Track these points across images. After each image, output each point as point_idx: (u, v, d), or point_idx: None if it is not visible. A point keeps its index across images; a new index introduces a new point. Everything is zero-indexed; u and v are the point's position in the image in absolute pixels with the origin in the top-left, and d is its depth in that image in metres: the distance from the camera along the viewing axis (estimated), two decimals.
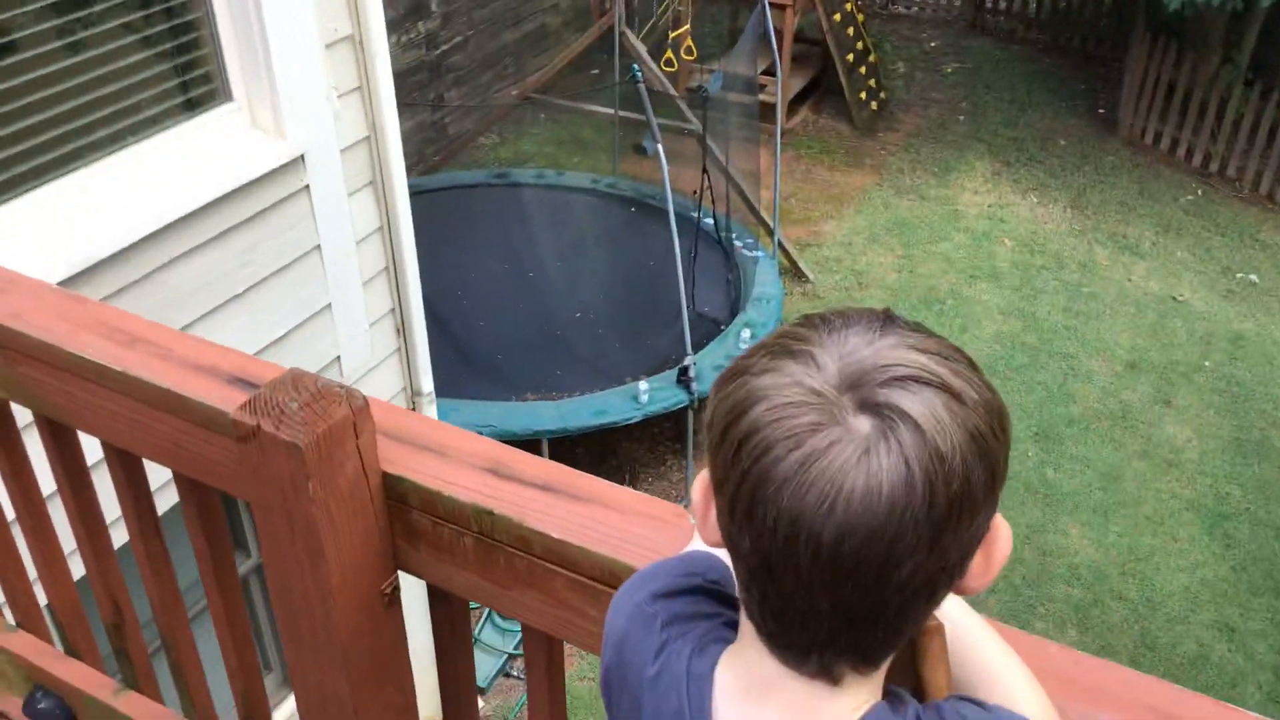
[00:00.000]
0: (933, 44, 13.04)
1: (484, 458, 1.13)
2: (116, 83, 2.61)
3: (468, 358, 6.80)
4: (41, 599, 1.85)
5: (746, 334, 6.90)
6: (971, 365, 0.72)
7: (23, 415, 1.51)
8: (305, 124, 2.94)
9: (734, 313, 7.26)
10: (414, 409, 4.45)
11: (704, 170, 7.54)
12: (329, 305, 3.36)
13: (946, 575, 0.71)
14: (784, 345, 0.72)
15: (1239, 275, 9.39)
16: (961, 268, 9.23)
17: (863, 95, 11.15)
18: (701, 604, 0.84)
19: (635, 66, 6.91)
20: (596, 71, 11.28)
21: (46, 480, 1.59)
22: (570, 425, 6.24)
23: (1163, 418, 7.75)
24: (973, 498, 0.69)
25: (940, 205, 10.09)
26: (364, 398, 1.08)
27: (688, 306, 6.65)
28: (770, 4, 8.06)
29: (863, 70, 11.18)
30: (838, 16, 10.94)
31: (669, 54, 9.49)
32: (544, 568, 1.06)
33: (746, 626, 0.77)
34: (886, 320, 0.73)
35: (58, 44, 2.51)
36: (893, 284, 8.99)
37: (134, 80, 2.66)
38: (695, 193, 7.60)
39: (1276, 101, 10.32)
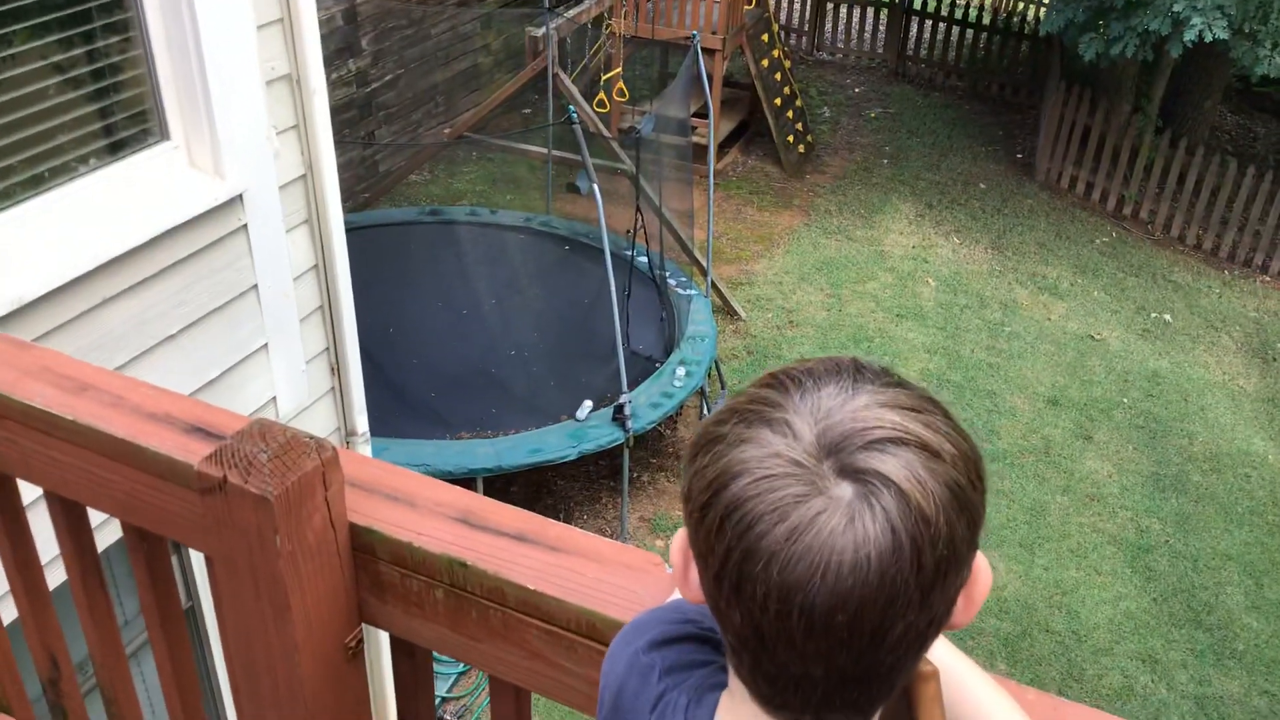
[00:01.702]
0: (857, 90, 13.34)
1: (455, 508, 1.12)
2: (50, 120, 2.55)
3: (401, 396, 6.72)
4: None
5: (681, 371, 6.93)
6: (946, 415, 0.73)
7: None
8: (244, 163, 2.90)
9: (668, 350, 7.29)
10: (348, 449, 4.37)
11: (637, 209, 7.60)
12: (265, 345, 3.30)
13: (935, 626, 0.72)
14: (757, 412, 0.71)
15: (1153, 315, 9.71)
16: (888, 306, 9.41)
17: (790, 139, 11.35)
18: (695, 652, 0.84)
19: (571, 108, 6.95)
20: (529, 111, 11.32)
21: None
22: (505, 463, 6.19)
23: (1084, 453, 7.95)
24: (957, 553, 0.70)
25: (867, 246, 10.29)
26: (333, 448, 1.06)
27: (622, 344, 6.66)
28: (700, 48, 8.17)
29: (790, 114, 11.39)
30: (765, 62, 11.15)
31: (601, 95, 9.57)
32: (517, 619, 1.05)
33: (737, 683, 0.77)
34: (856, 374, 0.73)
35: None
36: (822, 322, 9.12)
37: (69, 118, 2.61)
38: (629, 231, 7.65)
39: (1185, 148, 10.75)
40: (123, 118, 2.71)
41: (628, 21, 10.51)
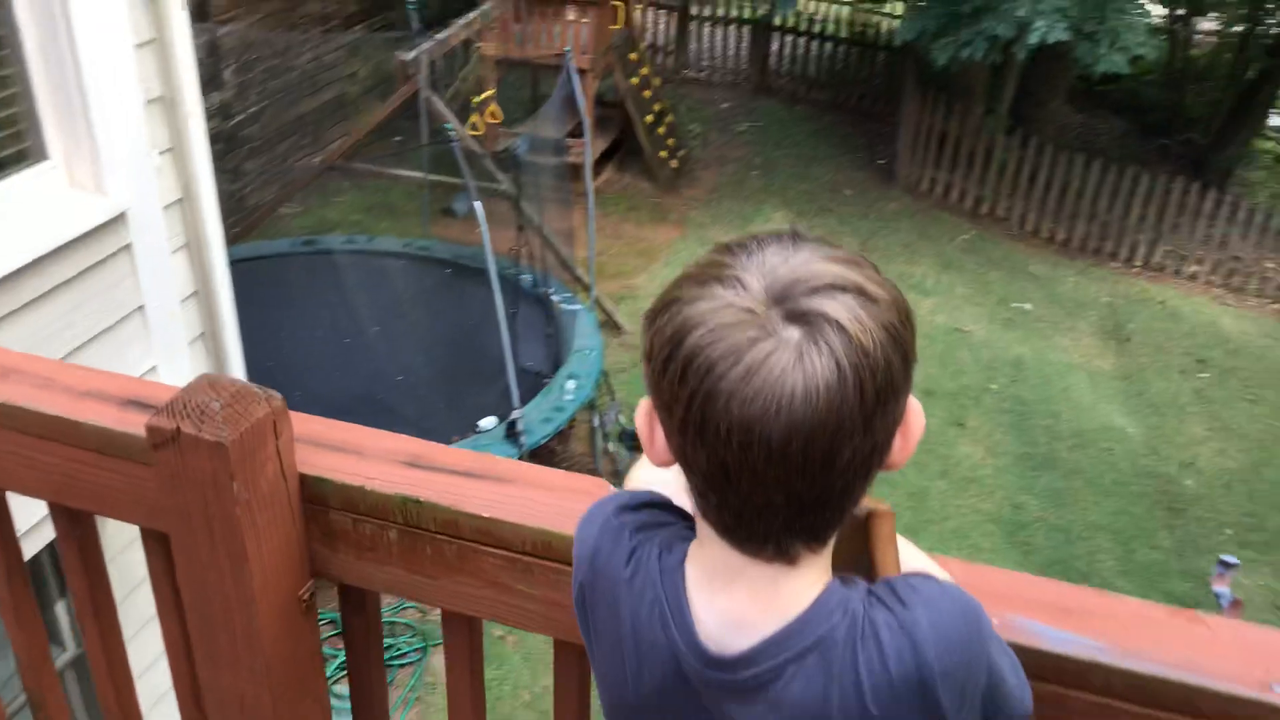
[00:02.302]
0: (724, 105, 13.67)
1: (403, 453, 1.16)
2: None
3: None
4: None
5: (570, 385, 6.98)
6: (875, 269, 0.82)
7: None
8: (126, 181, 2.85)
9: (556, 365, 7.34)
10: None
11: (520, 228, 7.64)
12: (154, 368, 3.24)
13: (878, 454, 0.80)
14: (709, 273, 0.79)
15: (1014, 305, 10.19)
16: None
17: (663, 154, 11.55)
18: (660, 515, 0.92)
19: (448, 125, 6.96)
20: (400, 139, 11.24)
21: None
22: None
23: (958, 439, 8.29)
24: (894, 383, 0.78)
25: None
26: (282, 398, 1.10)
27: (511, 362, 6.69)
28: (573, 67, 8.28)
29: (661, 131, 11.60)
30: (635, 80, 11.34)
31: (475, 118, 9.59)
32: (473, 549, 1.09)
33: (704, 527, 0.84)
34: (796, 237, 0.81)
35: None
36: None
37: None
38: (512, 250, 7.68)
39: (1035, 147, 11.33)
40: None
41: (497, 44, 10.57)
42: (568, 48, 8.48)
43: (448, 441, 6.61)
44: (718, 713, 0.86)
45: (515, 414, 6.50)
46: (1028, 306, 10.19)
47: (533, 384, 7.11)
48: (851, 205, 11.65)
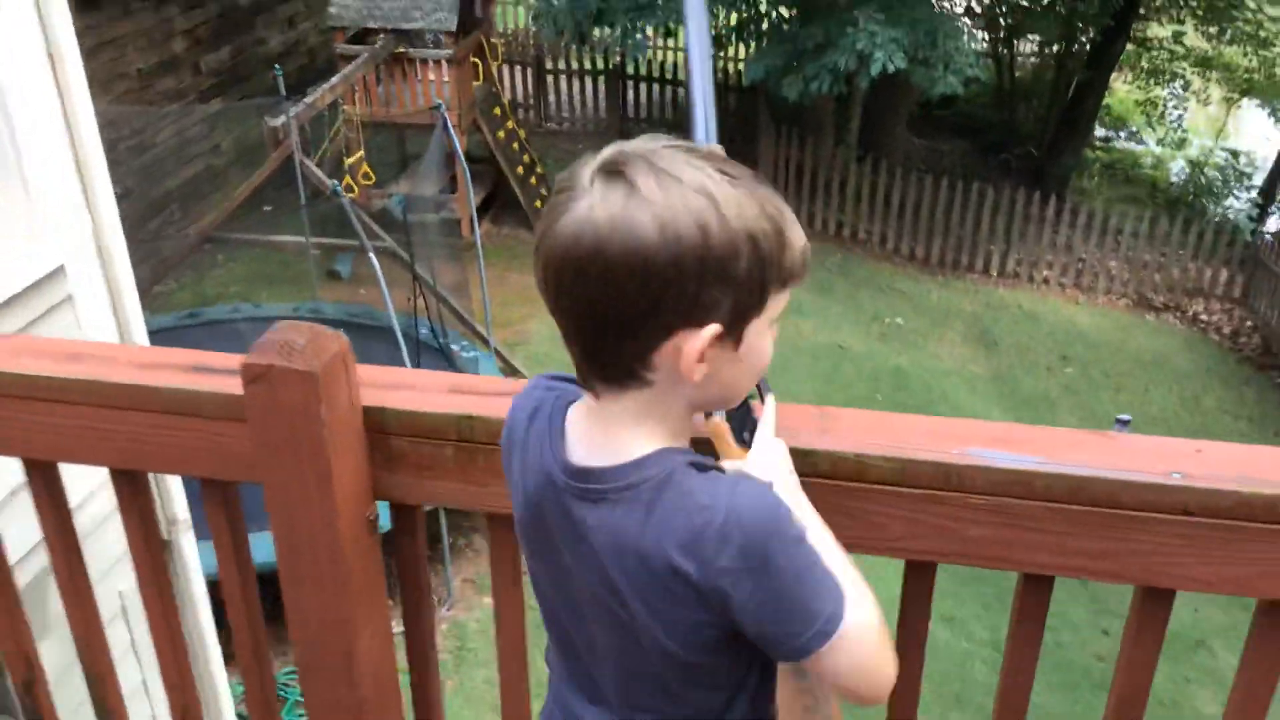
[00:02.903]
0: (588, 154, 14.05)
1: (446, 383, 1.36)
2: None
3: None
4: None
5: None
6: (750, 186, 0.91)
7: None
8: (61, 235, 2.95)
9: None
10: (169, 540, 4.32)
11: (415, 279, 7.78)
12: None
13: (633, 324, 0.91)
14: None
15: (887, 320, 10.75)
16: None
17: (538, 204, 11.82)
18: (566, 381, 1.11)
19: (336, 183, 7.08)
20: (269, 208, 11.22)
21: None
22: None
23: None
24: (645, 267, 0.87)
25: None
26: (346, 339, 1.29)
27: None
28: (447, 118, 8.49)
29: (534, 181, 11.88)
30: (501, 134, 11.62)
31: (348, 179, 9.69)
32: None
33: None
34: (693, 146, 0.94)
35: None
36: None
37: None
38: (409, 300, 7.81)
39: (886, 171, 12.02)
40: None
41: (361, 106, 10.71)
42: (440, 101, 8.68)
43: None
44: (575, 513, 1.01)
45: None
46: (900, 320, 10.76)
47: None
48: None
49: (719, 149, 0.99)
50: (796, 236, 0.96)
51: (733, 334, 0.95)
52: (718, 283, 0.90)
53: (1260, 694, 1.26)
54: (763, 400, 1.15)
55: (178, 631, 1.58)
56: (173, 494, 4.21)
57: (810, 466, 1.21)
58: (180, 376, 1.37)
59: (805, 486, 1.17)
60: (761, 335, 0.97)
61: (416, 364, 7.40)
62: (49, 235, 2.91)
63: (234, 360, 1.36)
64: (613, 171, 0.88)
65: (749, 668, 1.07)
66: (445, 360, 8.04)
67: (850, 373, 9.74)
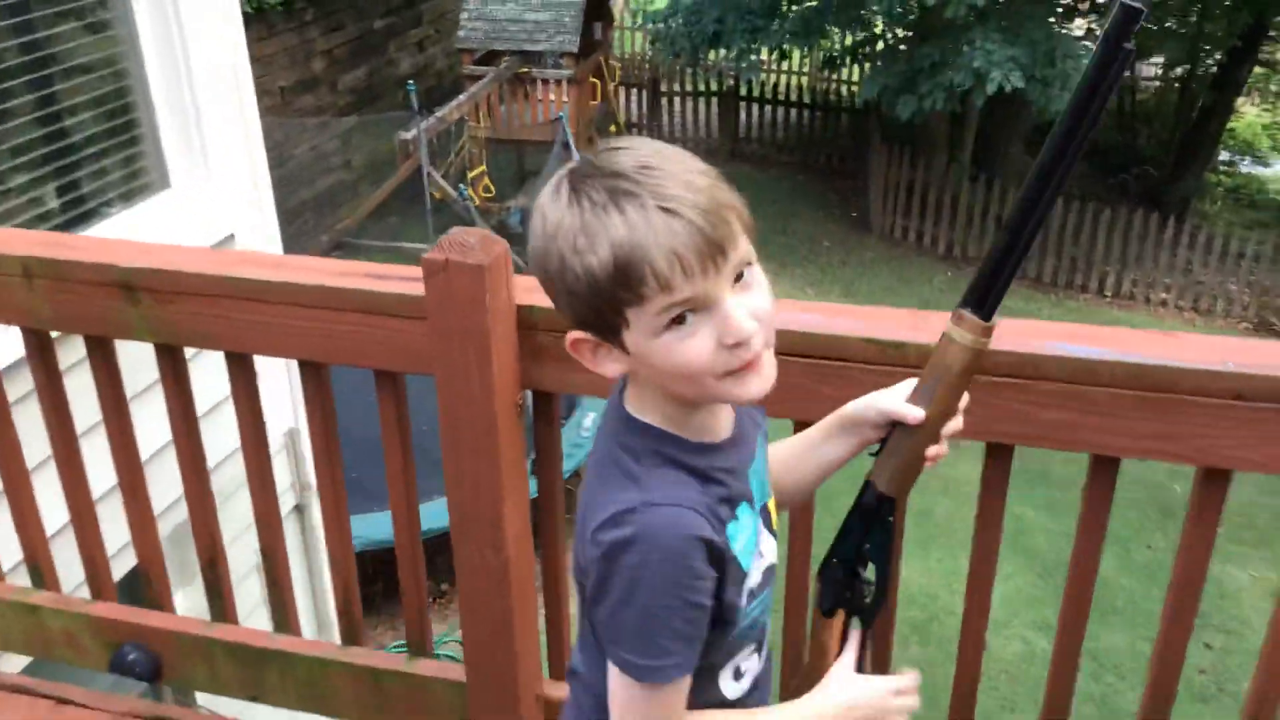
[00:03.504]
0: None
1: None
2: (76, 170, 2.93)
3: None
4: (119, 570, 2.10)
5: (588, 421, 7.39)
6: (595, 214, 0.93)
7: None
8: (233, 207, 3.31)
9: (572, 405, 7.76)
10: (300, 505, 4.66)
11: None
12: None
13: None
14: None
15: None
16: None
17: None
18: None
19: (463, 188, 7.46)
20: (395, 218, 11.79)
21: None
22: (434, 525, 6.47)
23: (958, 460, 8.44)
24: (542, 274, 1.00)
25: None
26: (507, 243, 1.52)
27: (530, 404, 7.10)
28: (567, 127, 8.83)
29: None
30: None
31: (470, 191, 10.14)
32: None
33: None
34: (666, 147, 1.00)
35: None
36: None
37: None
38: None
39: (999, 190, 11.99)
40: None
41: (485, 123, 11.18)
42: (561, 113, 9.04)
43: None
44: None
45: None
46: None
47: None
48: (830, 255, 12.23)
49: (646, 155, 0.97)
50: (630, 270, 0.93)
51: (609, 341, 1.00)
52: (555, 297, 1.02)
53: None
54: (863, 626, 1.17)
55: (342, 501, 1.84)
56: (307, 460, 4.56)
57: (901, 356, 1.40)
58: (365, 281, 1.62)
59: (896, 375, 1.36)
60: (648, 345, 0.97)
61: None
62: (225, 208, 3.26)
63: (409, 270, 1.61)
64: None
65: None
66: None
67: None
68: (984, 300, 1.04)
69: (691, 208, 0.93)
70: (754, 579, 1.08)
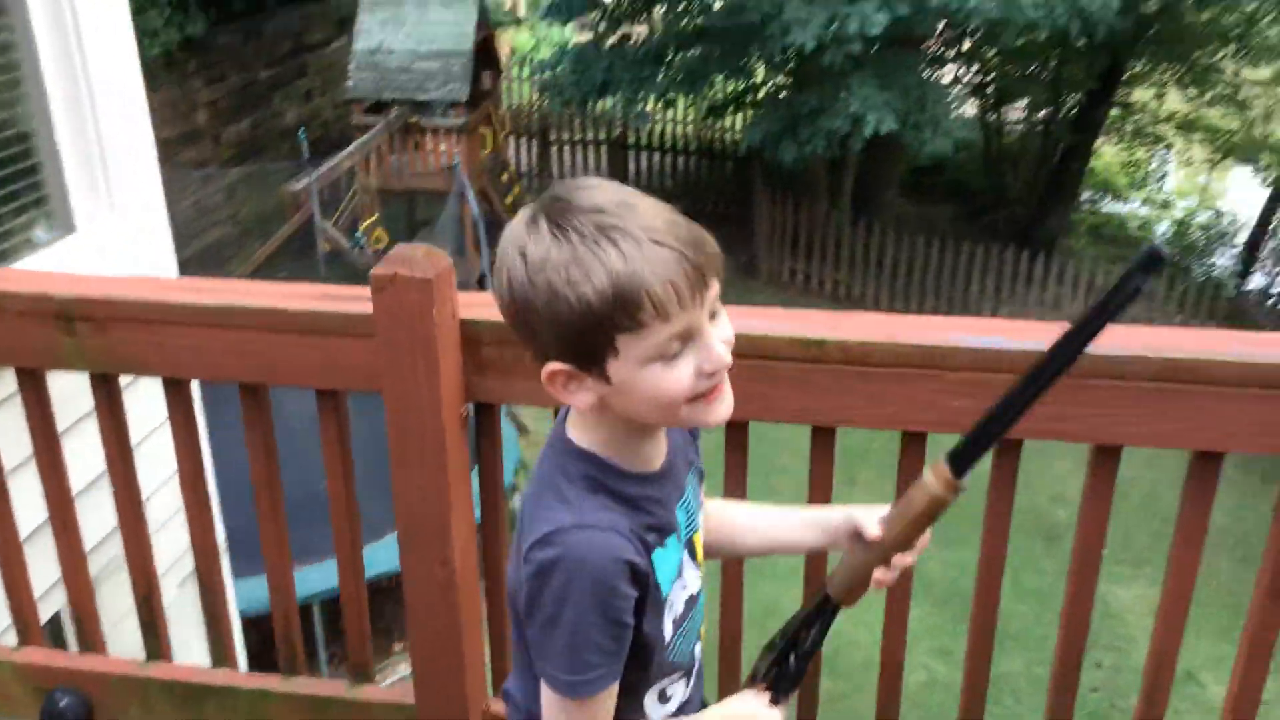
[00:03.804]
0: None
1: None
2: None
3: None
4: (47, 611, 2.07)
5: None
6: (580, 247, 0.98)
7: None
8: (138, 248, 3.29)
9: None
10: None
11: None
12: None
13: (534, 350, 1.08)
14: None
15: None
16: None
17: None
18: None
19: (358, 236, 7.43)
20: (285, 273, 11.62)
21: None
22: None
23: (851, 495, 8.74)
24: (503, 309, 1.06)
25: None
26: (449, 260, 1.59)
27: None
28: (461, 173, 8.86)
29: None
30: (509, 200, 12.08)
31: (367, 240, 10.09)
32: None
33: None
34: (626, 187, 1.05)
35: None
36: None
37: None
38: None
39: (878, 232, 12.45)
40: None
41: (376, 174, 11.16)
42: (455, 161, 9.10)
43: (384, 536, 6.89)
44: None
45: None
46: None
47: None
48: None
49: (612, 201, 1.03)
50: (621, 282, 0.98)
51: (592, 372, 1.04)
52: (537, 329, 1.03)
53: (1195, 536, 1.54)
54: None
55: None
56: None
57: (824, 353, 1.51)
58: (309, 301, 1.67)
59: (819, 372, 1.48)
60: (635, 374, 1.02)
61: None
62: (131, 251, 3.24)
63: (352, 290, 1.67)
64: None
65: None
66: None
67: (786, 489, 10.01)
68: (962, 462, 1.14)
69: (678, 240, 1.00)
70: (677, 607, 1.17)
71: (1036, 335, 1.51)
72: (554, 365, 1.05)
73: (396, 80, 11.42)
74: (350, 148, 10.38)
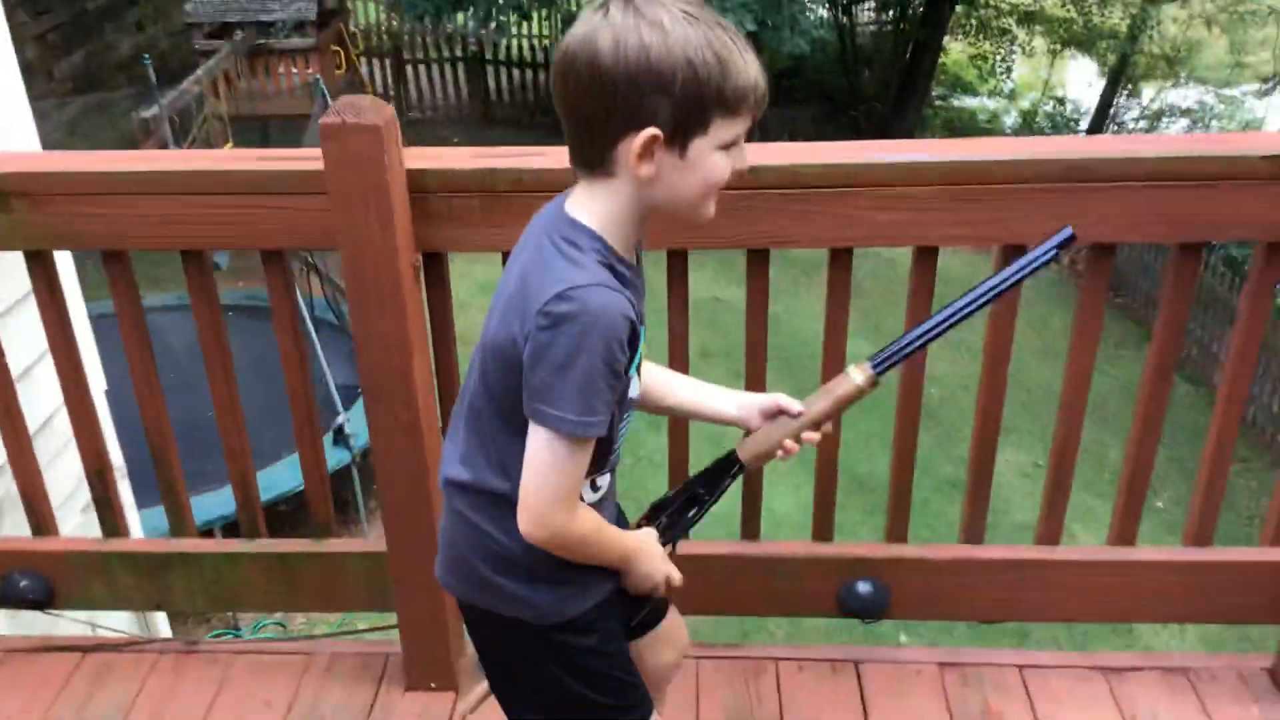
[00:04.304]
0: (456, 140, 14.26)
1: (469, 152, 1.72)
2: None
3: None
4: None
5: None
6: (707, 26, 1.11)
7: None
8: None
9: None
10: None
11: (309, 265, 7.95)
12: None
13: (595, 122, 1.14)
14: None
15: None
16: None
17: None
18: None
19: None
20: None
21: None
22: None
23: (738, 386, 9.24)
24: (599, 76, 1.09)
25: None
26: (393, 109, 1.63)
27: (330, 378, 7.00)
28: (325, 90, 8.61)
29: None
30: None
31: None
32: (534, 201, 1.65)
33: None
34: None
35: None
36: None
37: None
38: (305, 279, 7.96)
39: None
40: None
41: (226, 100, 10.73)
42: (318, 76, 8.84)
43: (280, 459, 6.84)
44: None
45: (340, 419, 6.83)
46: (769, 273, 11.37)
47: (350, 394, 7.42)
48: None
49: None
50: (740, 71, 1.14)
51: (676, 142, 1.15)
52: (656, 94, 1.11)
53: (1091, 336, 1.73)
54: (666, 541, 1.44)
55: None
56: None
57: (757, 179, 1.62)
58: (252, 163, 1.70)
59: (752, 196, 1.59)
60: (707, 154, 1.17)
61: (319, 341, 7.60)
62: None
63: (293, 151, 1.70)
64: (602, 4, 1.13)
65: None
66: (345, 333, 8.23)
67: (729, 321, 10.26)
68: (882, 364, 1.40)
69: (757, 62, 1.18)
70: (634, 389, 1.30)
71: (951, 150, 1.66)
72: (652, 130, 1.13)
73: (238, 2, 10.95)
74: (198, 71, 9.95)
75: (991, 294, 1.36)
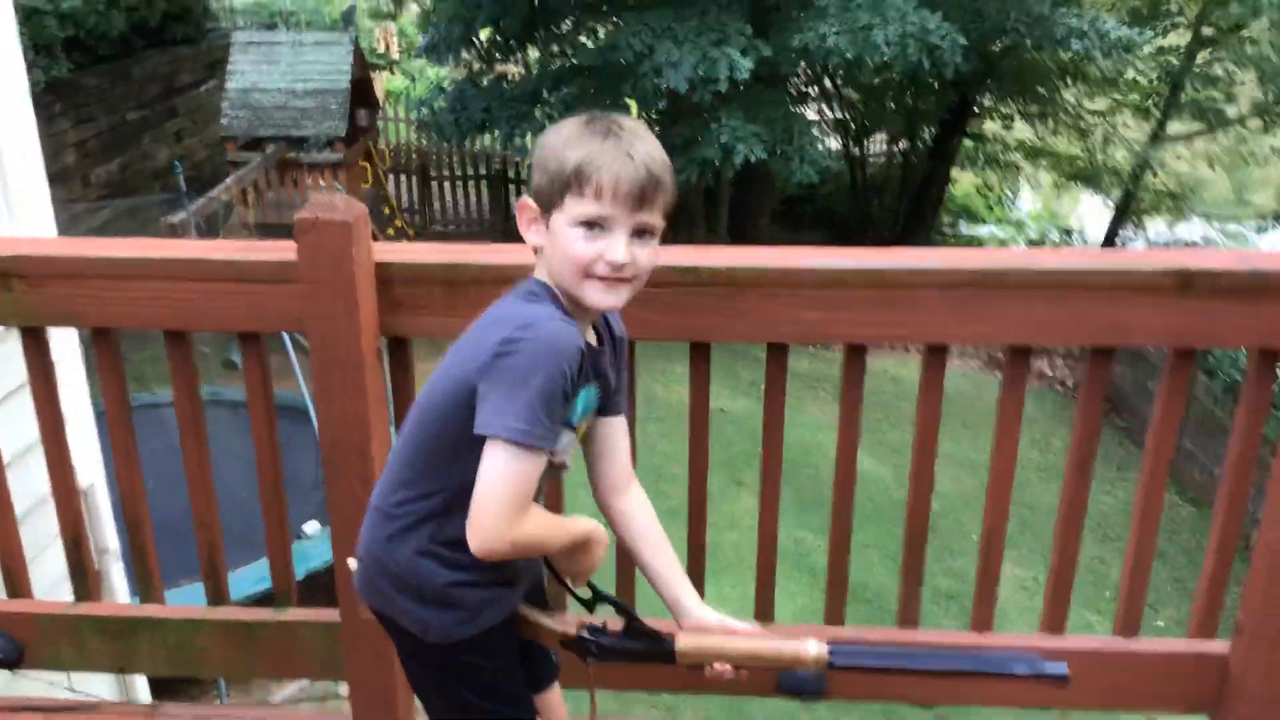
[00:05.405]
0: None
1: (435, 247, 1.87)
2: None
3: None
4: None
5: (311, 527, 7.47)
6: (596, 138, 1.39)
7: None
8: None
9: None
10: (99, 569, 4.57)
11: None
12: None
13: None
14: None
15: (760, 385, 11.49)
16: None
17: None
18: None
19: None
20: None
21: None
22: (236, 595, 6.34)
23: (739, 496, 9.31)
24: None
25: None
26: (364, 207, 1.79)
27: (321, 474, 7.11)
28: None
29: None
30: (391, 232, 12.16)
31: None
32: (494, 291, 1.79)
33: None
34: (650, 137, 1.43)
35: None
36: None
37: None
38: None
39: None
40: None
41: (253, 210, 11.12)
42: (339, 186, 9.17)
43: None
44: None
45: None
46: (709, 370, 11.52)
47: None
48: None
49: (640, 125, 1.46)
50: (595, 159, 1.36)
51: (544, 216, 1.42)
52: (537, 170, 1.42)
53: (1011, 430, 1.84)
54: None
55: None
56: (104, 525, 4.50)
57: (695, 277, 1.76)
58: (234, 253, 1.85)
59: (694, 293, 1.73)
60: (562, 229, 1.39)
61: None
62: None
63: (271, 244, 1.86)
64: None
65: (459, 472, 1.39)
66: None
67: (730, 432, 10.37)
68: (841, 661, 1.43)
69: (646, 166, 1.37)
70: (566, 443, 1.47)
71: (876, 258, 1.80)
72: (527, 199, 1.44)
73: (272, 118, 11.43)
74: (227, 181, 10.35)
75: (971, 671, 1.50)
